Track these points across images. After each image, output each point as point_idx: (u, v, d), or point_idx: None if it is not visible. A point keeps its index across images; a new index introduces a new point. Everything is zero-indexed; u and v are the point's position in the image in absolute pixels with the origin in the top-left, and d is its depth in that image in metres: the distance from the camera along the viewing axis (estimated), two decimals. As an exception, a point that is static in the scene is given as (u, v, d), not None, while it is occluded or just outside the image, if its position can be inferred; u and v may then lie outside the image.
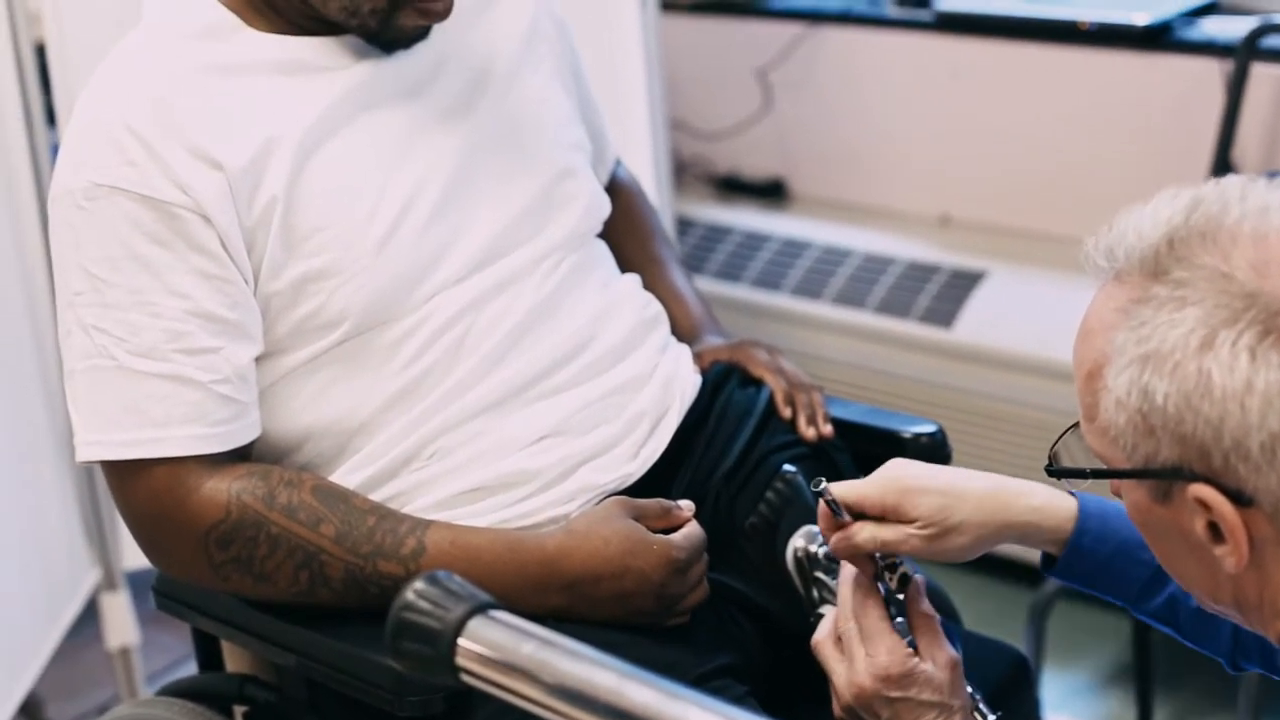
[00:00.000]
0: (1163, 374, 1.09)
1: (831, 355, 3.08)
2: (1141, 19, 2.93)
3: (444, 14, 1.64)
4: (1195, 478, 1.10)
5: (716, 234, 3.39)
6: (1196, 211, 1.14)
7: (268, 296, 1.57)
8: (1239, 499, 1.08)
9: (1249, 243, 1.10)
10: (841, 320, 3.10)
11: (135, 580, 2.77)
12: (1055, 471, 1.32)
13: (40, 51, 2.61)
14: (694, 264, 3.27)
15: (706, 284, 3.16)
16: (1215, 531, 1.11)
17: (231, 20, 1.64)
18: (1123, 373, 1.12)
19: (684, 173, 3.56)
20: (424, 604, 1.01)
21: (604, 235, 1.85)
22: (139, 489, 1.55)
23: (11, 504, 2.57)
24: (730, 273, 3.28)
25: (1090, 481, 1.26)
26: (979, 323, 2.95)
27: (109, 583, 2.76)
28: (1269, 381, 1.05)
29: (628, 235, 1.97)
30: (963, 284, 3.03)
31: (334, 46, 1.65)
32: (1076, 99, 3.08)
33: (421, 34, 1.67)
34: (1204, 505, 1.10)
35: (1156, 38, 2.94)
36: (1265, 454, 1.06)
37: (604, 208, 1.84)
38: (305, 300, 1.58)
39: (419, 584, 1.02)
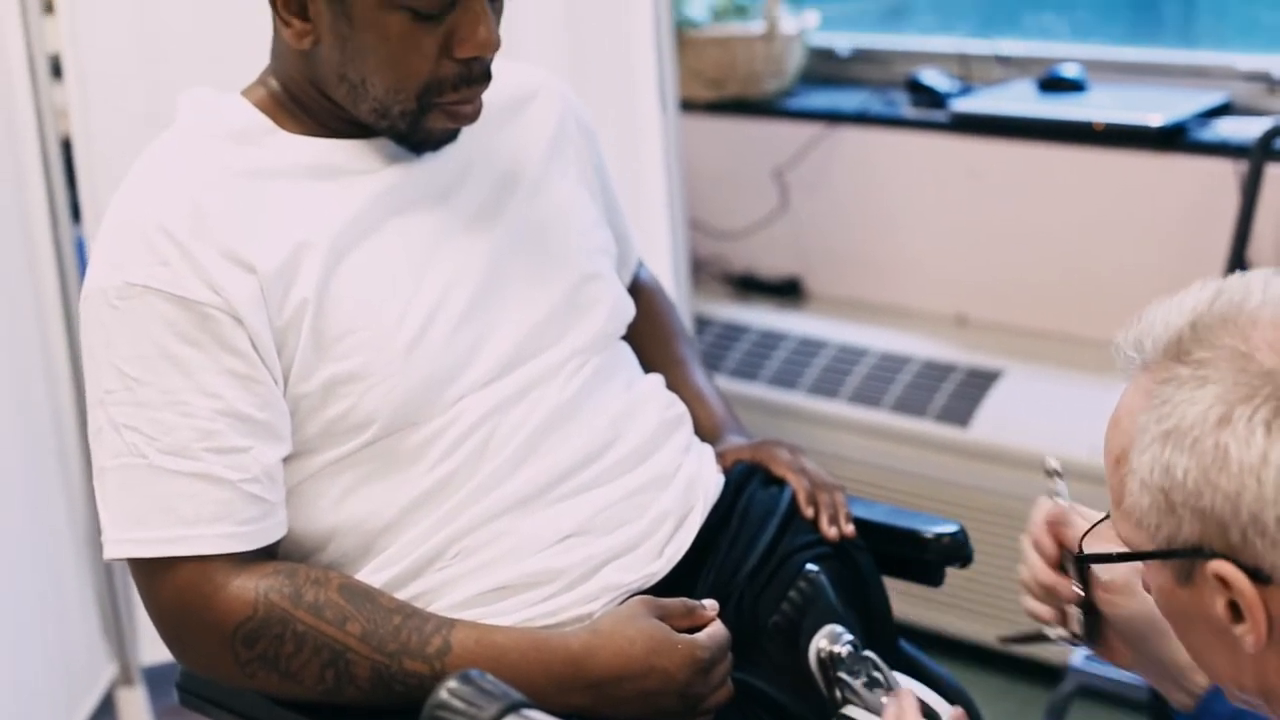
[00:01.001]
0: (1182, 449, 1.11)
1: (848, 454, 3.09)
2: (1156, 120, 2.96)
3: (473, 117, 1.67)
4: (1215, 555, 1.11)
5: (733, 332, 3.41)
6: (1220, 299, 1.17)
7: (297, 398, 1.59)
8: (1257, 575, 1.10)
9: (1269, 325, 1.13)
10: (858, 419, 3.11)
11: (152, 676, 2.77)
12: (1083, 558, 1.32)
13: (66, 146, 2.63)
14: (711, 362, 3.28)
15: (723, 382, 3.17)
16: (1235, 611, 1.12)
17: (264, 123, 1.66)
18: (1145, 451, 1.14)
19: (701, 271, 3.58)
20: (458, 703, 1.02)
21: (627, 336, 1.87)
22: (167, 586, 1.56)
23: (31, 598, 2.57)
24: (747, 371, 3.29)
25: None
26: (995, 422, 2.95)
27: (126, 678, 2.76)
28: None
29: (650, 336, 1.98)
30: (979, 383, 3.04)
31: (364, 149, 1.67)
32: (1092, 199, 3.09)
33: (450, 136, 1.69)
34: (1223, 583, 1.11)
35: (1171, 139, 2.96)
36: None
37: (628, 310, 1.85)
38: (334, 402, 1.59)
39: (452, 682, 1.02)
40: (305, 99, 1.67)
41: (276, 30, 1.67)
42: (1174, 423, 1.12)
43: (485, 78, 1.65)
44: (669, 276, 2.83)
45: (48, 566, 2.65)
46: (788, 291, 3.55)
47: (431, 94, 1.62)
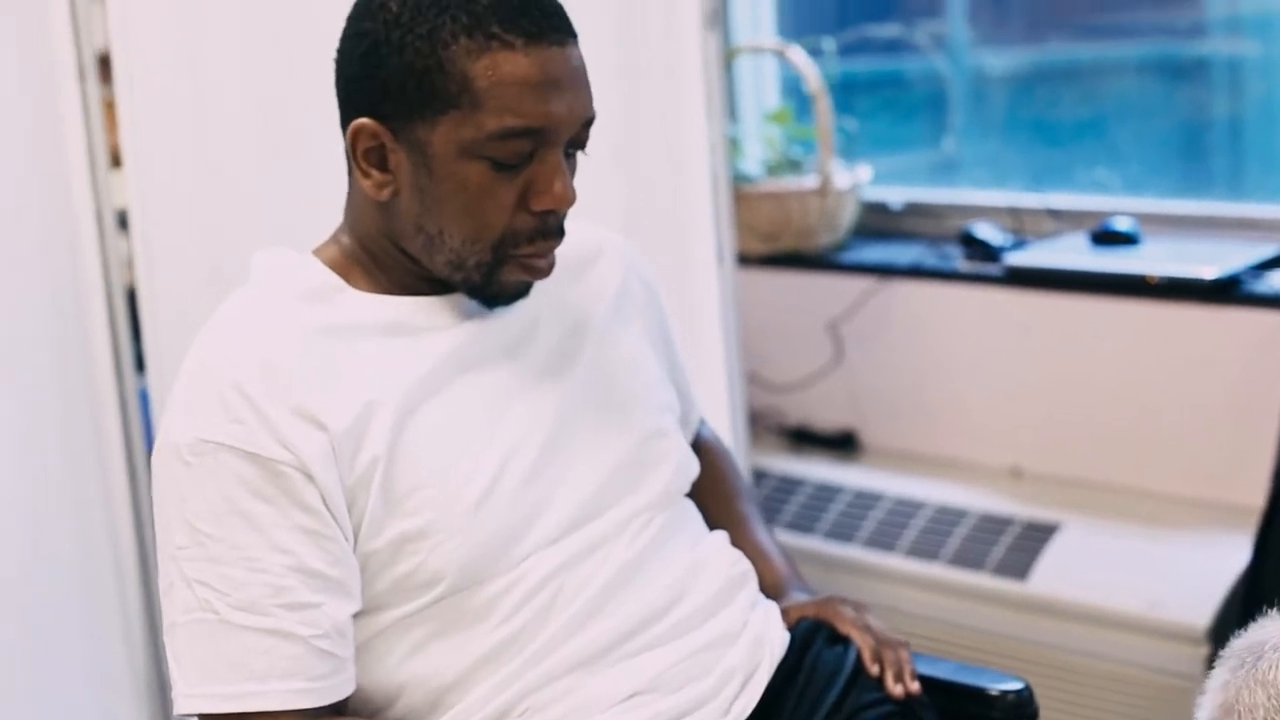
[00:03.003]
0: None
1: (906, 607, 3.07)
2: (1209, 273, 2.97)
3: (547, 271, 1.69)
4: None
5: (789, 485, 3.41)
6: None
7: (367, 555, 1.59)
8: None
9: None
10: (915, 572, 3.10)
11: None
12: None
13: (131, 297, 2.66)
14: (767, 515, 3.25)
15: (780, 535, 3.15)
16: None
17: (335, 282, 1.68)
18: None
19: (756, 424, 3.58)
20: None
21: (690, 493, 1.87)
22: (237, 742, 1.56)
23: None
24: (803, 524, 3.29)
25: None
26: (1054, 575, 2.94)
27: (184, 832, 2.74)
28: None
29: (713, 493, 1.99)
30: (1036, 536, 3.03)
31: (436, 306, 1.69)
32: (1146, 352, 3.10)
33: (524, 290, 1.70)
34: None
35: (1224, 291, 2.97)
36: None
37: (693, 468, 1.86)
38: (403, 559, 1.60)
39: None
40: (380, 254, 1.69)
41: (353, 185, 1.70)
42: None
43: (560, 232, 1.67)
44: (726, 429, 2.83)
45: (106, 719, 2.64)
46: (843, 444, 3.55)
47: (507, 245, 1.64)
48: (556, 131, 1.61)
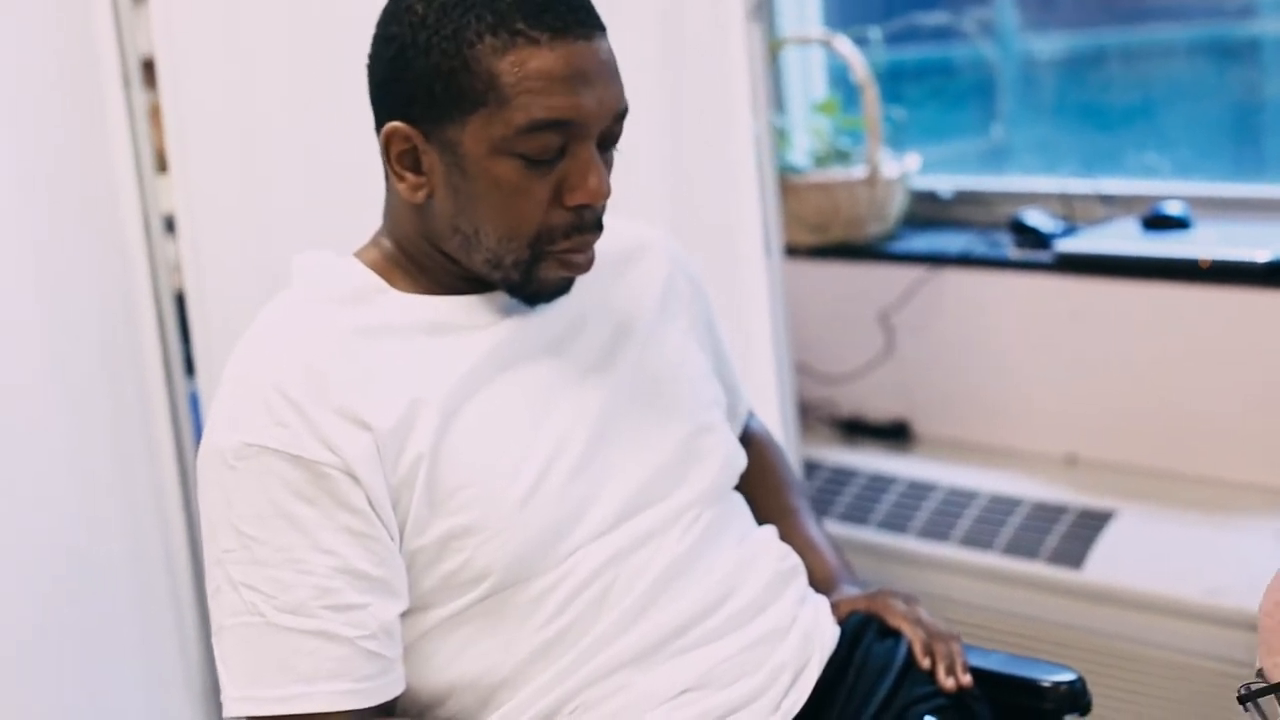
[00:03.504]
0: None
1: (960, 597, 3.06)
2: (1262, 256, 2.94)
3: (585, 266, 1.68)
4: None
5: (841, 476, 3.40)
6: None
7: (413, 553, 1.60)
8: None
9: None
10: (969, 562, 3.08)
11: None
12: (1249, 696, 1.29)
13: (180, 301, 2.67)
14: (820, 507, 3.27)
15: (833, 527, 3.16)
16: None
17: (376, 283, 1.69)
18: None
19: (808, 415, 3.58)
20: None
21: (738, 487, 1.87)
22: (286, 744, 1.56)
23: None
24: (856, 515, 3.27)
25: None
26: (1109, 563, 2.92)
27: (240, 833, 2.75)
28: None
29: (762, 487, 1.99)
30: (1091, 524, 3.01)
31: (477, 305, 1.69)
32: (1199, 336, 3.07)
33: (564, 287, 1.71)
34: None
35: (1278, 274, 2.94)
36: None
37: (741, 461, 1.86)
38: (449, 557, 1.60)
39: None
40: (419, 256, 1.70)
41: (390, 188, 1.70)
42: None
43: (597, 227, 1.67)
44: (777, 421, 2.82)
45: (162, 720, 2.66)
46: (895, 434, 3.53)
47: (543, 242, 1.64)
48: (586, 125, 1.61)
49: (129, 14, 2.54)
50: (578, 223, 1.64)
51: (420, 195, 1.65)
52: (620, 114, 1.65)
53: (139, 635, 2.61)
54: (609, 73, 1.63)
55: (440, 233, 1.67)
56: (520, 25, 1.58)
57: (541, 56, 1.58)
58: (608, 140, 1.66)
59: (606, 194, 1.64)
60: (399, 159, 1.65)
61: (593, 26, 1.62)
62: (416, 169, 1.64)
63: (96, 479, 2.55)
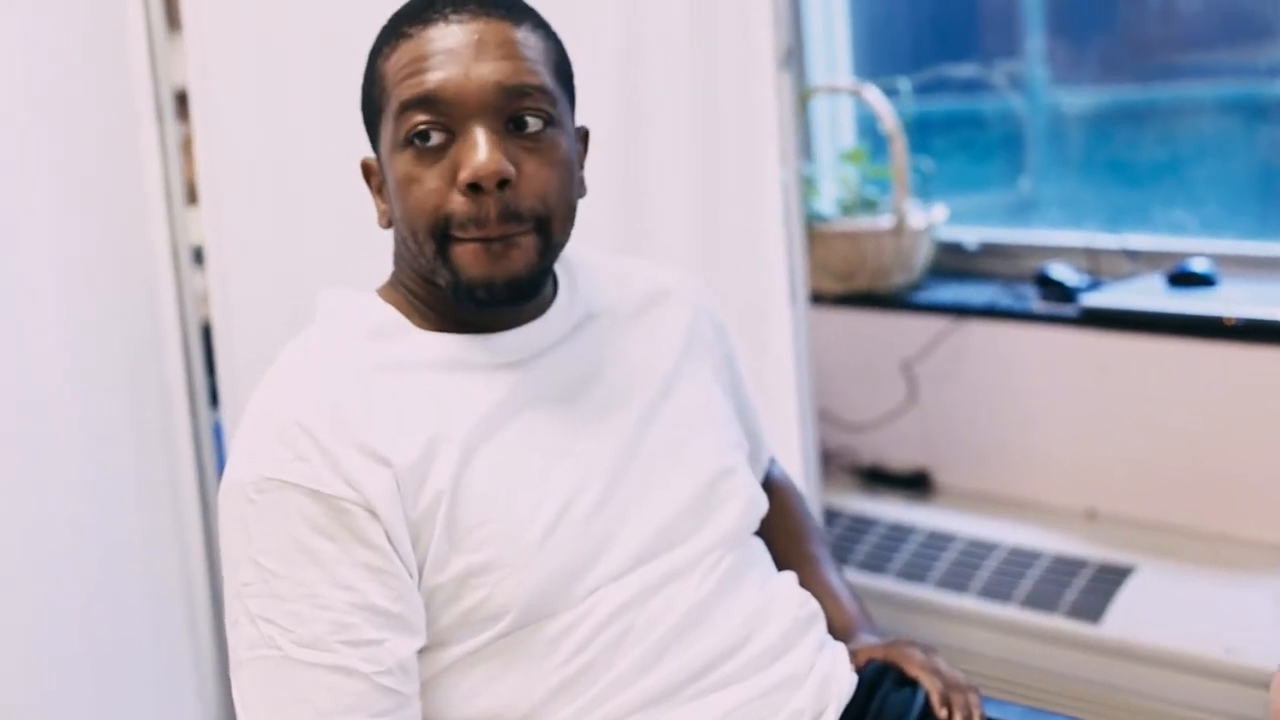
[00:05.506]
0: None
1: (978, 649, 3.06)
2: (1287, 315, 2.95)
3: (515, 261, 1.62)
4: None
5: (861, 525, 3.40)
6: None
7: (431, 590, 1.60)
8: None
9: None
10: (988, 614, 3.07)
11: None
12: None
13: (206, 332, 2.68)
14: (839, 555, 3.27)
15: (852, 575, 3.15)
16: None
17: (398, 320, 1.69)
18: None
19: (829, 463, 3.58)
20: None
21: (759, 532, 1.87)
22: (301, 778, 1.56)
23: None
24: (875, 564, 3.27)
25: None
26: (1128, 618, 2.92)
27: None
28: None
29: (782, 532, 1.99)
30: (1110, 579, 3.01)
31: (497, 343, 1.69)
32: (1222, 394, 3.07)
33: (511, 290, 1.64)
34: None
35: (1302, 334, 2.94)
36: None
37: (762, 506, 1.85)
38: (468, 594, 1.60)
39: None
40: (420, 290, 1.71)
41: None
42: None
43: (509, 215, 1.60)
44: (798, 468, 2.83)
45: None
46: (916, 484, 3.54)
47: (444, 228, 1.61)
48: (459, 100, 1.59)
49: (164, 46, 2.56)
50: (475, 210, 1.59)
51: (384, 221, 1.71)
52: (515, 90, 1.61)
53: (157, 667, 2.61)
54: (487, 49, 1.61)
55: (405, 255, 1.69)
56: (404, 27, 1.64)
57: (411, 46, 1.62)
58: (517, 121, 1.62)
59: (495, 170, 1.58)
60: (377, 190, 1.72)
61: (478, 12, 1.63)
62: (383, 193, 1.71)
63: (119, 508, 2.56)
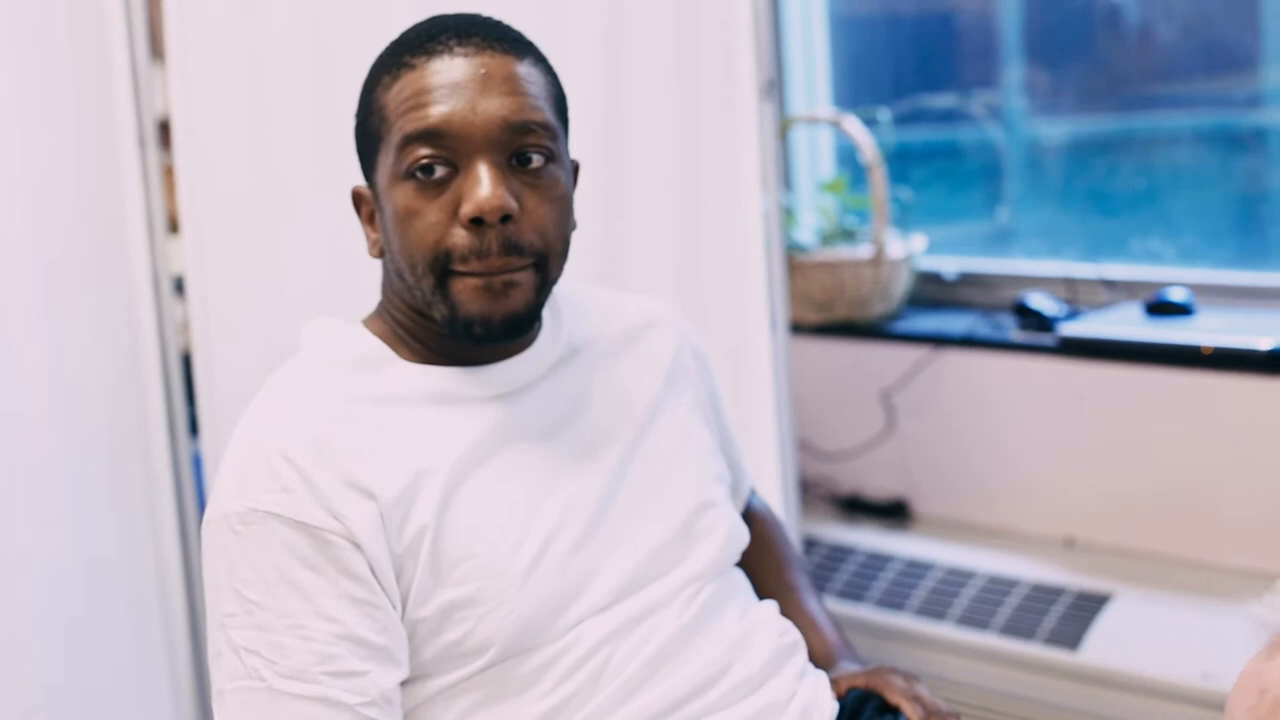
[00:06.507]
0: None
1: (956, 677, 3.06)
2: (1265, 344, 2.95)
3: (515, 300, 1.63)
4: None
5: (840, 553, 3.40)
6: None
7: (415, 622, 1.60)
8: None
9: None
10: (966, 642, 3.08)
11: None
12: None
13: (186, 361, 2.68)
14: (818, 584, 3.26)
15: (830, 604, 3.15)
16: None
17: (384, 352, 1.70)
18: None
19: (807, 492, 3.58)
20: None
21: (740, 562, 1.88)
22: (284, 810, 1.56)
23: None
24: (854, 593, 3.27)
25: None
26: (1106, 645, 2.92)
27: None
28: None
29: (763, 563, 2.00)
30: (1088, 606, 3.01)
31: (482, 376, 1.70)
32: (1200, 423, 3.08)
33: (508, 326, 1.65)
34: None
35: (1279, 362, 2.95)
36: None
37: (743, 537, 1.86)
38: (451, 627, 1.60)
39: None
40: (407, 322, 1.71)
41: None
42: None
43: (510, 249, 1.61)
44: (778, 497, 2.83)
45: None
46: (894, 513, 3.54)
47: (445, 262, 1.61)
48: (465, 135, 1.61)
49: (146, 74, 2.56)
50: (478, 244, 1.60)
51: (375, 250, 1.71)
52: (519, 126, 1.62)
53: (136, 696, 2.60)
54: (493, 84, 1.62)
55: (396, 286, 1.70)
56: (406, 58, 1.64)
57: (415, 78, 1.62)
58: (519, 156, 1.63)
59: (498, 206, 1.59)
60: (368, 219, 1.72)
61: (485, 46, 1.64)
62: (374, 222, 1.71)
63: (98, 536, 2.55)
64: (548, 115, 1.65)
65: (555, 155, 1.66)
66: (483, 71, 1.62)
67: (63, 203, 2.50)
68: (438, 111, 1.60)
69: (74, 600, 2.51)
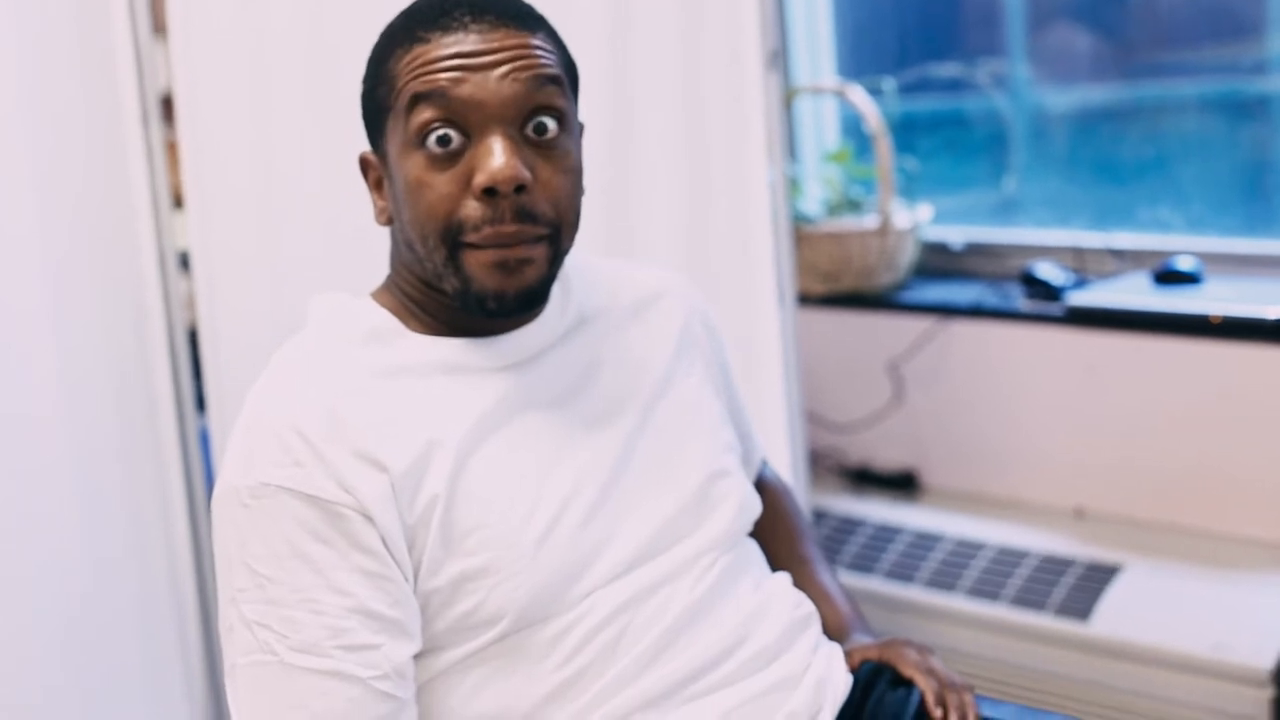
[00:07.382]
0: None
1: (966, 648, 3.06)
2: (1273, 312, 2.94)
3: (529, 273, 1.63)
4: None
5: (849, 525, 3.39)
6: None
7: (427, 594, 1.59)
8: None
9: None
10: (976, 613, 3.07)
11: None
12: None
13: (192, 337, 2.67)
14: (827, 555, 3.25)
15: (840, 576, 3.15)
16: None
17: (393, 324, 1.69)
18: None
19: (816, 464, 3.58)
20: None
21: (753, 534, 1.87)
22: (297, 783, 1.56)
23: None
24: (863, 564, 3.27)
25: None
26: (1116, 616, 2.92)
27: None
28: None
29: (776, 534, 1.99)
30: (1098, 577, 3.01)
31: (492, 347, 1.69)
32: (1209, 392, 3.08)
33: (521, 300, 1.65)
34: None
35: (1289, 331, 2.95)
36: None
37: (755, 507, 1.85)
38: (464, 598, 1.59)
39: None
40: (416, 293, 1.70)
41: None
42: None
43: (522, 217, 1.61)
44: (787, 469, 2.83)
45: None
46: (903, 484, 3.54)
47: (457, 233, 1.61)
48: (478, 106, 1.60)
49: (149, 50, 2.55)
50: (490, 213, 1.59)
51: (383, 218, 1.70)
52: (533, 98, 1.61)
53: (145, 673, 2.61)
54: (507, 56, 1.61)
55: (405, 258, 1.69)
56: (420, 31, 1.63)
57: (426, 49, 1.62)
58: (535, 126, 1.63)
59: (513, 176, 1.58)
60: (375, 186, 1.71)
61: (499, 21, 1.63)
62: (381, 189, 1.70)
63: (106, 514, 2.55)
64: (561, 88, 1.64)
65: (568, 127, 1.65)
66: (496, 44, 1.61)
67: (67, 179, 2.49)
68: (450, 78, 1.59)
69: (82, 577, 2.51)
